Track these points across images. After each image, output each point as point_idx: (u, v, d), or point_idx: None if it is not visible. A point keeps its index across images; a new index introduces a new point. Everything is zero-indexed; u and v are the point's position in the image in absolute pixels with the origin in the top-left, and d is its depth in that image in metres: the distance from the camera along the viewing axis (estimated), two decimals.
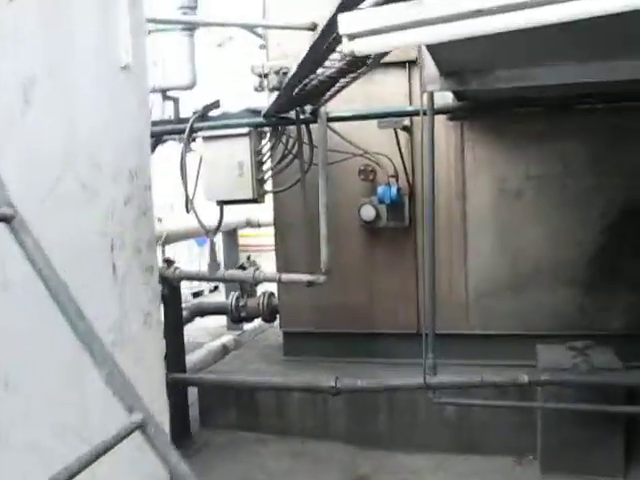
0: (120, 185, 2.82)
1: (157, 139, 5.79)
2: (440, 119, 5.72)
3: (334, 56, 3.35)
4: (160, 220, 8.72)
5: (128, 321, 2.84)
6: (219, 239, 12.20)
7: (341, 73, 3.88)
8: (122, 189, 2.83)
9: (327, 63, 3.55)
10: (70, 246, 2.39)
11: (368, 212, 5.89)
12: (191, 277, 5.59)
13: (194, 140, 5.59)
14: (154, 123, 5.85)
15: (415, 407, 5.42)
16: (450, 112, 5.50)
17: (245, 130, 5.29)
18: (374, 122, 5.40)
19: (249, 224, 10.79)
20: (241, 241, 11.29)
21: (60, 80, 2.42)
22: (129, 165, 2.89)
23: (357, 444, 5.63)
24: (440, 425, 5.41)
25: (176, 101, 5.80)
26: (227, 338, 9.32)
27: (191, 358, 8.21)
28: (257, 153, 5.35)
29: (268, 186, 5.58)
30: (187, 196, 5.54)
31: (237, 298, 6.95)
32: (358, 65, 3.73)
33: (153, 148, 5.78)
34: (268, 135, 5.49)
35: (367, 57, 3.49)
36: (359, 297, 6.24)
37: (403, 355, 5.68)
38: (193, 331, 9.58)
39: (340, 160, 5.72)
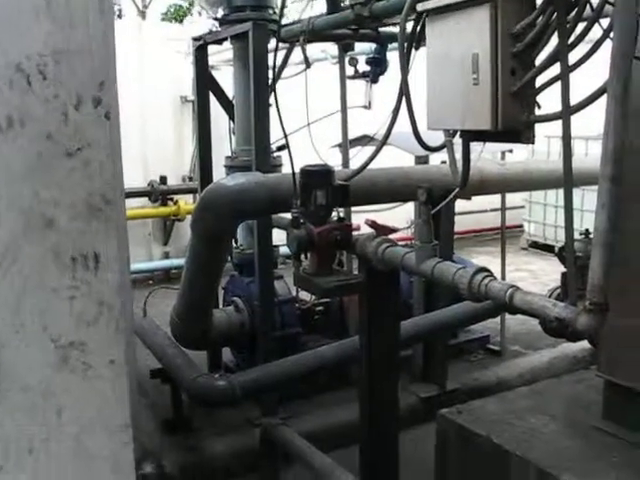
0: None
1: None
2: None
3: None
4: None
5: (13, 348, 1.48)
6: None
7: None
8: None
9: None
10: None
11: None
12: (392, 261, 3.23)
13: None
14: None
15: None
16: None
17: None
18: None
19: None
20: None
21: None
22: (18, 54, 1.40)
23: None
24: None
25: None
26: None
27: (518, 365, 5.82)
28: (514, 38, 2.60)
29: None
30: (414, 125, 3.16)
31: (556, 298, 4.19)
32: None
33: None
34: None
35: None
36: None
37: None
38: None
39: None
